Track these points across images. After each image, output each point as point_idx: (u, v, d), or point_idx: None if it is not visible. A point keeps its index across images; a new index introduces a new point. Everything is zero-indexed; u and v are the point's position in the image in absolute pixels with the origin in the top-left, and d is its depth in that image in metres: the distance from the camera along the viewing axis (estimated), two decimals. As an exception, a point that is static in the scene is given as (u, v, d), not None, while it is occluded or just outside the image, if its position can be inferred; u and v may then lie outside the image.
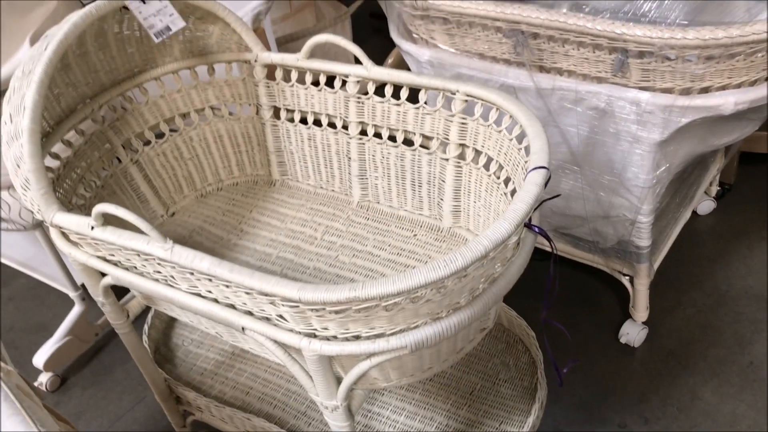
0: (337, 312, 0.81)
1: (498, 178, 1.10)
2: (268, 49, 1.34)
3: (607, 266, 1.51)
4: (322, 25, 2.59)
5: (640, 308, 1.50)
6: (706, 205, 1.82)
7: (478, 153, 1.15)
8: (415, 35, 1.44)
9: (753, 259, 1.69)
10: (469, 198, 1.20)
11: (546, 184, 0.93)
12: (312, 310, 0.82)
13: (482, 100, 1.09)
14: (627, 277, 1.49)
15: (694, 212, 1.81)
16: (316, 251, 1.26)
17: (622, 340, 1.54)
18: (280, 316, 0.87)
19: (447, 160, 1.19)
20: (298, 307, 0.82)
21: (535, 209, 0.94)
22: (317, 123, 1.34)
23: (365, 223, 1.30)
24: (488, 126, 1.11)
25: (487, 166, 1.14)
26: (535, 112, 1.33)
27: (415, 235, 1.26)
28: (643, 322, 1.52)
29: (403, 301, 0.81)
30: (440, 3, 1.32)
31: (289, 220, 1.34)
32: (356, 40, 1.62)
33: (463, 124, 1.15)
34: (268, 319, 0.90)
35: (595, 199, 1.39)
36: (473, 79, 1.38)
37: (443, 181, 1.22)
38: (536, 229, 0.95)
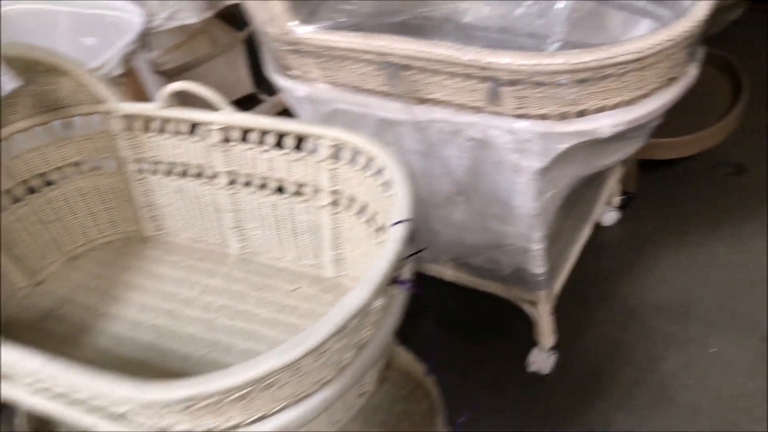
0: (181, 410, 0.73)
1: (372, 225, 1.03)
2: (141, 94, 1.25)
3: (508, 294, 1.46)
4: (215, 52, 2.49)
5: (546, 334, 1.46)
6: (610, 216, 1.79)
7: (352, 200, 1.08)
8: (289, 70, 1.36)
9: (661, 269, 1.66)
10: (349, 246, 1.12)
11: (412, 237, 0.86)
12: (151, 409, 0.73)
13: (348, 144, 1.03)
14: (530, 304, 1.45)
15: (599, 224, 1.78)
16: (193, 315, 1.16)
17: (532, 368, 1.49)
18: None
19: (322, 207, 1.12)
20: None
21: (404, 263, 0.88)
22: (188, 173, 1.25)
23: (245, 277, 1.22)
24: (358, 171, 1.04)
25: (361, 213, 1.07)
26: (416, 146, 1.28)
27: (298, 289, 1.18)
28: (552, 347, 1.48)
29: (255, 391, 0.73)
30: (308, 37, 1.25)
31: (164, 280, 1.24)
32: (256, 64, 1.55)
33: (333, 170, 1.08)
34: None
35: (485, 229, 1.33)
36: (350, 114, 1.31)
37: (321, 230, 1.14)
38: (405, 285, 0.88)
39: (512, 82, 1.10)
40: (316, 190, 1.11)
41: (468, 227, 1.37)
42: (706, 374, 1.44)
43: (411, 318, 0.91)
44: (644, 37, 1.03)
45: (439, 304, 1.62)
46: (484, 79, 1.12)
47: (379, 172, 0.98)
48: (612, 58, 1.02)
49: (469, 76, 1.14)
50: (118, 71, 1.53)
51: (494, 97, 1.13)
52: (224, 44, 2.53)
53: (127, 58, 1.56)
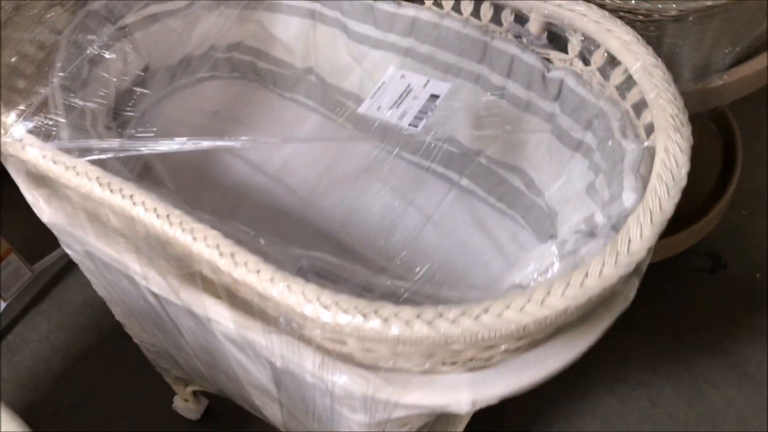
0: None
1: None
2: None
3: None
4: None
5: None
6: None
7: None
8: (32, 182, 0.89)
9: (583, 421, 1.25)
10: None
11: None
12: None
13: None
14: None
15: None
16: None
17: None
18: None
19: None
20: None
21: None
22: None
23: None
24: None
25: None
26: (197, 332, 0.84)
27: None
28: None
29: None
30: (28, 159, 0.78)
31: None
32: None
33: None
34: None
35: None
36: (110, 270, 0.85)
37: None
38: None
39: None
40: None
41: (289, 422, 0.95)
42: None
43: None
44: (528, 301, 0.57)
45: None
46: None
47: None
48: (471, 335, 0.57)
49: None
50: None
51: (291, 326, 0.69)
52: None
53: None
